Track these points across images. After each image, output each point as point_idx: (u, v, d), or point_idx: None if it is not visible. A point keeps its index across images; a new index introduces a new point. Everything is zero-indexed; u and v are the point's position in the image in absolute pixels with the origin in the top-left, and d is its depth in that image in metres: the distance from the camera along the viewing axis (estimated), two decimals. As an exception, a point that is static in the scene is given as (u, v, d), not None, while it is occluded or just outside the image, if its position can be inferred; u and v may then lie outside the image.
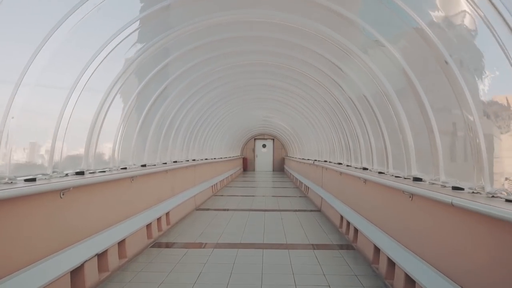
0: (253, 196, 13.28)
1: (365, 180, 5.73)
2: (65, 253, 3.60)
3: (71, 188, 3.62)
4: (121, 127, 5.48)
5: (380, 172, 5.69)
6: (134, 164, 6.26)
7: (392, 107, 4.77)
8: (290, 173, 21.53)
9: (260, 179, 20.99)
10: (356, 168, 7.17)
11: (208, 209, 10.17)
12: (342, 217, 7.34)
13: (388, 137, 5.31)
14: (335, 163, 9.45)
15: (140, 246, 5.77)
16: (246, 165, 28.58)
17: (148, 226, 6.28)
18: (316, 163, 11.09)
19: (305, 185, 14.13)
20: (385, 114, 5.29)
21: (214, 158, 14.94)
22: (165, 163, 8.03)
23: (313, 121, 11.43)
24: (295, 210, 10.09)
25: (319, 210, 10.00)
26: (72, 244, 3.77)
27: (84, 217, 4.14)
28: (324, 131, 10.46)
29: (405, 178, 4.66)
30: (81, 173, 4.41)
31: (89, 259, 4.04)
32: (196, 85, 8.02)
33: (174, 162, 8.91)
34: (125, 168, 5.74)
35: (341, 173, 7.54)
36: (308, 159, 14.83)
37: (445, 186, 3.62)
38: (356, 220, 6.11)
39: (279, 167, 28.63)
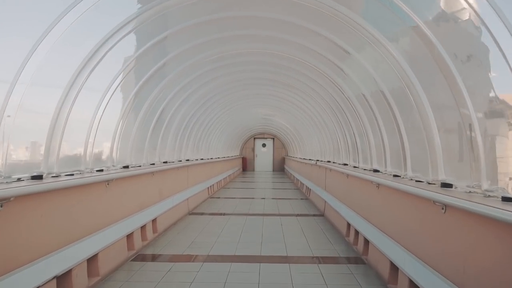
0: (251, 198, 12.52)
1: (378, 185, 4.96)
2: (6, 280, 2.83)
3: (12, 199, 2.84)
4: (94, 122, 4.70)
5: (395, 175, 4.91)
6: (114, 166, 5.49)
7: (414, 99, 4.00)
8: (291, 174, 20.76)
9: (260, 180, 20.22)
10: (365, 169, 6.40)
11: (202, 213, 9.40)
12: (349, 225, 6.57)
13: (407, 135, 4.54)
14: (339, 163, 8.68)
15: (119, 260, 5.00)
16: (246, 165, 27.82)
17: (130, 236, 5.51)
18: (318, 163, 10.31)
19: (306, 186, 13.36)
20: (403, 108, 4.52)
21: (211, 158, 14.17)
22: (153, 164, 7.27)
23: (315, 118, 10.66)
24: (296, 215, 9.31)
25: (322, 215, 9.23)
26: (18, 268, 3.00)
27: (37, 233, 3.36)
28: (328, 129, 9.68)
29: (429, 184, 3.89)
30: (38, 177, 3.64)
31: (44, 284, 3.27)
32: (190, 74, 7.25)
33: (164, 162, 8.14)
34: (101, 170, 4.97)
35: (348, 175, 6.77)
36: (309, 159, 14.06)
37: (489, 196, 2.85)
38: (367, 230, 5.33)
39: (279, 167, 27.86)
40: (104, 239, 4.52)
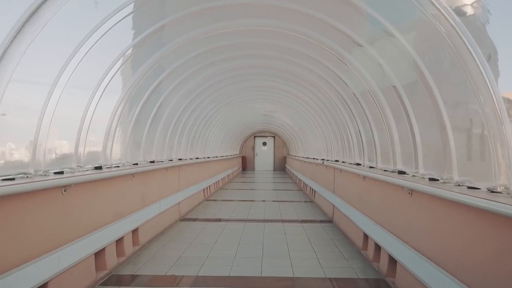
0: (251, 201, 11.46)
1: (411, 191, 3.90)
2: None
3: None
4: (46, 110, 3.65)
5: (432, 179, 3.86)
6: (80, 166, 4.45)
7: (477, 87, 2.94)
8: (293, 173, 19.72)
9: (260, 180, 19.17)
10: (385, 171, 5.35)
11: (195, 219, 8.35)
12: (366, 236, 5.53)
13: (451, 128, 3.48)
14: (351, 163, 7.63)
15: (82, 286, 3.96)
16: (246, 164, 26.81)
17: (100, 253, 4.47)
18: (326, 163, 9.26)
19: (310, 188, 12.32)
20: (450, 92, 3.48)
21: (208, 157, 13.14)
22: (136, 164, 6.23)
23: (321, 112, 9.61)
24: (301, 221, 8.26)
25: (330, 221, 8.19)
26: None
27: None
28: (336, 124, 8.62)
29: (491, 192, 2.84)
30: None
31: None
32: (180, 58, 6.22)
33: (151, 162, 7.10)
34: (61, 173, 3.93)
35: (364, 177, 5.72)
36: (314, 158, 13.02)
37: None
38: (395, 247, 4.28)
39: (280, 167, 26.83)
40: (57, 263, 3.47)
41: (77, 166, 4.39)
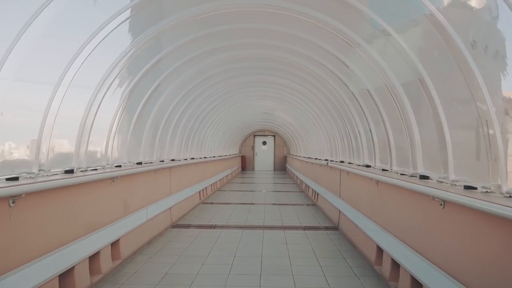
0: (250, 204, 10.74)
1: (443, 202, 3.18)
2: None
3: None
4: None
5: (468, 187, 3.14)
6: (43, 170, 3.73)
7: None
8: (294, 174, 19.00)
9: (260, 181, 18.44)
10: (402, 174, 4.63)
11: (188, 226, 7.64)
12: (380, 249, 4.81)
13: (500, 127, 2.76)
14: (359, 165, 6.91)
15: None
16: (245, 164, 26.10)
17: (67, 274, 3.75)
18: (330, 164, 8.54)
19: (313, 190, 11.60)
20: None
21: (204, 157, 12.43)
22: (119, 166, 5.51)
23: (326, 110, 8.90)
24: (304, 228, 7.55)
25: (336, 228, 7.47)
26: None
27: None
28: (342, 122, 7.90)
29: None
30: None
31: None
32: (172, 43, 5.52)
33: (137, 164, 6.39)
34: (16, 179, 3.21)
35: (377, 181, 5.00)
36: (316, 159, 12.30)
37: None
38: (421, 269, 3.56)
39: (281, 166, 26.12)
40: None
41: (39, 170, 3.67)
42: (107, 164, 5.22)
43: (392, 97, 4.54)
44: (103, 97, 4.69)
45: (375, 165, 5.99)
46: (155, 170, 6.66)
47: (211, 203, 10.92)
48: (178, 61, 6.20)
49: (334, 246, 6.15)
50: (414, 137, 4.24)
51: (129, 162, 6.08)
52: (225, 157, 17.28)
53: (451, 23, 3.07)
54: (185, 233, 7.05)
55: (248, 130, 24.36)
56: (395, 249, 4.23)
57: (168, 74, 6.29)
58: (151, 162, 7.09)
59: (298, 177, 16.75)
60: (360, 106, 6.09)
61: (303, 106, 10.74)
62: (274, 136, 26.08)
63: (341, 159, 8.79)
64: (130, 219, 5.38)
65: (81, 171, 4.47)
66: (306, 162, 13.91)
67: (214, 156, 14.48)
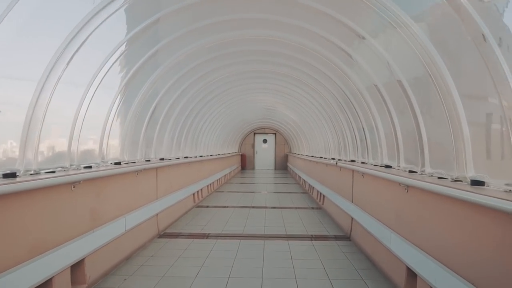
0: (249, 207, 9.74)
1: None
2: None
3: None
4: None
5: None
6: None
7: None
8: (295, 173, 18.01)
9: (260, 181, 17.43)
10: (441, 178, 3.63)
11: (178, 235, 6.64)
12: (412, 273, 3.80)
13: None
14: (376, 164, 5.91)
15: None
16: (245, 163, 25.11)
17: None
18: (340, 163, 7.53)
19: (318, 191, 10.61)
20: None
21: (200, 156, 11.45)
22: (89, 167, 4.51)
23: (333, 103, 7.89)
24: (311, 237, 6.55)
25: (347, 238, 6.47)
26: None
27: None
28: (354, 116, 6.90)
29: None
30: None
31: None
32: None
33: (116, 164, 5.40)
34: None
35: (407, 187, 3.99)
36: (322, 157, 11.31)
37: None
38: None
39: (282, 165, 25.12)
40: None
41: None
42: (72, 165, 4.22)
43: (434, 83, 3.53)
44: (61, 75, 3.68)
45: (398, 166, 4.98)
46: (136, 172, 5.65)
47: (207, 206, 9.92)
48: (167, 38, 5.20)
49: (349, 262, 5.15)
50: (463, 131, 3.23)
51: (103, 161, 5.09)
52: (224, 155, 16.28)
53: None
54: (173, 244, 6.05)
55: (248, 128, 23.40)
56: (439, 278, 3.22)
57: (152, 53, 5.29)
58: (134, 162, 6.09)
59: (300, 177, 15.76)
60: (380, 93, 5.07)
61: (307, 99, 9.74)
62: (275, 134, 25.10)
63: (352, 158, 7.79)
64: (100, 233, 4.38)
65: (31, 174, 3.47)
66: (310, 161, 12.91)
67: (211, 155, 13.49)
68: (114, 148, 5.69)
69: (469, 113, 3.19)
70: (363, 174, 5.88)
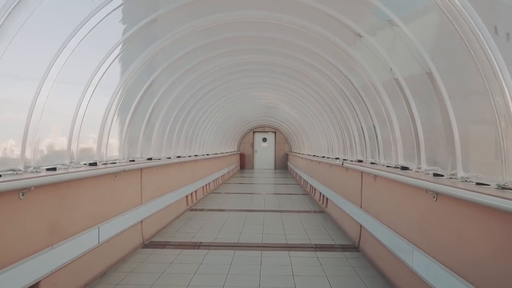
0: (246, 211, 9.01)
1: None
2: None
3: None
4: None
5: None
6: None
7: None
8: (296, 173, 17.29)
9: (259, 181, 16.70)
10: (479, 184, 2.89)
11: (165, 245, 5.90)
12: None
13: None
14: (388, 165, 5.17)
15: None
16: (244, 162, 24.38)
17: None
18: (347, 164, 6.79)
19: (320, 193, 9.89)
20: None
21: (195, 155, 10.72)
22: (53, 169, 3.78)
23: (339, 97, 7.15)
24: (315, 247, 5.81)
25: (356, 248, 5.74)
26: None
27: None
28: (363, 111, 6.16)
29: None
30: None
31: None
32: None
33: (90, 164, 4.67)
34: None
35: (436, 194, 3.24)
36: (324, 157, 10.58)
37: None
38: None
39: (282, 165, 24.39)
40: None
41: None
42: (28, 168, 3.48)
43: (472, 55, 2.77)
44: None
45: (418, 167, 4.23)
46: (114, 174, 4.91)
47: (201, 209, 9.19)
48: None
49: (359, 279, 4.42)
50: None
51: (75, 162, 4.35)
52: (221, 155, 15.55)
53: None
54: (159, 256, 5.32)
55: (247, 126, 22.67)
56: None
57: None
58: (114, 163, 5.36)
59: (301, 177, 15.03)
60: (400, 87, 4.33)
61: (310, 94, 9.00)
62: (275, 132, 24.37)
63: (359, 158, 7.06)
64: (63, 248, 3.64)
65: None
66: (312, 160, 12.17)
67: (207, 154, 12.76)
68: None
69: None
70: (375, 176, 5.13)
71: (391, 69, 4.49)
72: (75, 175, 3.85)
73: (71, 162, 4.26)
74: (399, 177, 3.95)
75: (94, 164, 4.77)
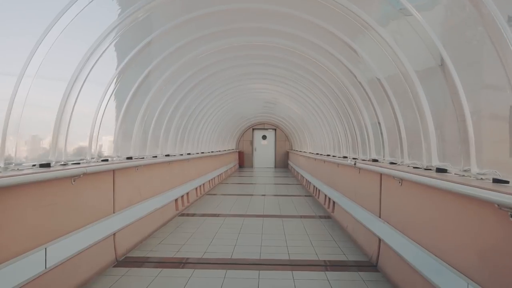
0: (243, 216, 7.98)
1: None
2: None
3: None
4: None
5: None
6: None
7: None
8: (298, 172, 16.28)
9: (259, 181, 15.66)
10: None
11: (143, 262, 4.88)
12: None
13: None
14: (416, 167, 4.13)
15: None
16: (243, 161, 23.39)
17: None
18: (360, 164, 5.75)
19: (325, 195, 8.88)
20: None
21: (188, 154, 9.73)
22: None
23: (348, 89, 6.13)
24: (325, 265, 4.79)
25: (374, 266, 4.73)
26: None
27: None
28: (377, 101, 5.14)
29: None
30: None
31: None
32: None
33: (42, 166, 3.66)
34: None
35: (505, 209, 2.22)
36: (329, 155, 9.57)
37: None
38: None
39: (282, 163, 23.38)
40: None
41: None
42: None
43: None
44: None
45: (465, 170, 3.20)
46: (73, 178, 3.87)
47: (193, 214, 8.18)
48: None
49: (386, 315, 3.40)
50: None
51: (9, 163, 3.33)
52: (218, 153, 14.53)
53: None
54: (132, 278, 4.30)
55: (246, 123, 21.66)
56: None
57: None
58: (78, 163, 4.34)
59: (303, 177, 14.03)
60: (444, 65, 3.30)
61: (315, 84, 7.97)
62: (275, 129, 23.35)
63: (373, 157, 6.03)
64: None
65: None
66: (315, 159, 11.15)
67: (202, 152, 11.74)
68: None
69: None
70: (401, 180, 4.11)
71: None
72: (6, 181, 2.83)
73: (7, 163, 3.23)
74: (449, 185, 2.88)
75: (47, 165, 3.75)
